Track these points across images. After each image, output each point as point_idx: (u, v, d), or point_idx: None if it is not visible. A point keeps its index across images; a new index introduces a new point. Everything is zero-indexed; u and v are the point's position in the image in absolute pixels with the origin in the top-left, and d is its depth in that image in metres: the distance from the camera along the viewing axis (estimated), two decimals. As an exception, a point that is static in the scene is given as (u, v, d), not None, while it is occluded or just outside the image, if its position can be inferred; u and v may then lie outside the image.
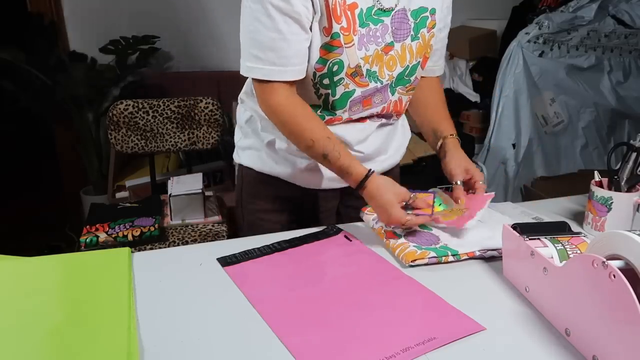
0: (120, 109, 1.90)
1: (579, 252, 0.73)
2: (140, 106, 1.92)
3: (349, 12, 0.92)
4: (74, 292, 0.78)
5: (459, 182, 1.02)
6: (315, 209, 1.15)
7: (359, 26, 0.93)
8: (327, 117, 1.01)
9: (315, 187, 1.11)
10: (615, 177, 0.95)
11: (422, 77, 1.09)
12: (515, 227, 0.79)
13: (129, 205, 1.91)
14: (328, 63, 0.94)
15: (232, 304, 0.75)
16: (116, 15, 2.64)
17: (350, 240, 0.95)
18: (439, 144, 1.08)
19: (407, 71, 1.03)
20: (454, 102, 2.79)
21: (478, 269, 0.85)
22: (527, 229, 0.78)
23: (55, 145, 2.75)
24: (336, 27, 0.92)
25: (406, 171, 2.23)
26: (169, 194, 1.83)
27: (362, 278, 0.82)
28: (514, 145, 2.55)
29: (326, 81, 0.97)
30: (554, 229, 0.80)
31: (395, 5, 0.95)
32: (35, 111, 2.61)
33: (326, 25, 0.92)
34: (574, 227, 1.01)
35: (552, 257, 0.72)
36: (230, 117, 2.39)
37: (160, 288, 0.80)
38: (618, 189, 0.94)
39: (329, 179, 1.08)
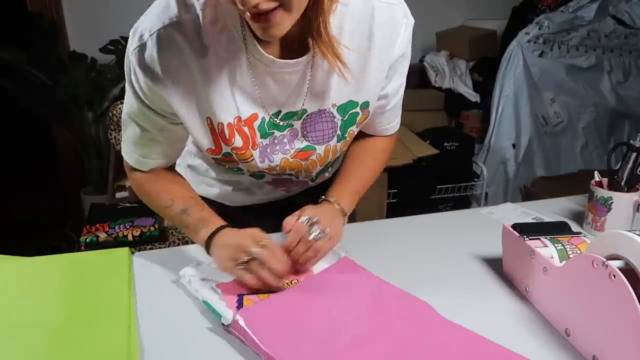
0: (120, 109, 1.90)
1: (579, 252, 0.73)
2: (140, 106, 1.92)
3: (245, 128, 0.79)
4: (74, 292, 0.78)
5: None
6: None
7: (260, 137, 0.81)
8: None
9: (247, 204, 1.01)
10: (615, 177, 0.95)
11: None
12: (515, 227, 0.79)
13: (129, 205, 1.91)
14: (226, 166, 0.86)
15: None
16: (116, 15, 2.64)
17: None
18: (322, 198, 0.89)
19: (328, 164, 0.91)
20: (454, 102, 2.79)
21: (477, 268, 0.85)
22: (527, 229, 0.78)
23: (55, 145, 2.75)
24: (226, 148, 0.80)
25: (406, 171, 2.23)
26: (169, 194, 1.83)
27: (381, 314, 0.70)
28: (514, 145, 2.55)
29: (231, 171, 0.90)
30: (554, 229, 0.80)
31: (306, 105, 0.80)
32: (35, 111, 2.61)
33: (213, 147, 0.81)
34: (574, 227, 1.01)
35: (552, 257, 0.72)
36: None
37: (160, 288, 0.80)
38: (618, 189, 0.94)
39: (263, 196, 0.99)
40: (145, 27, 0.71)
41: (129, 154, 0.86)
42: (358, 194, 0.92)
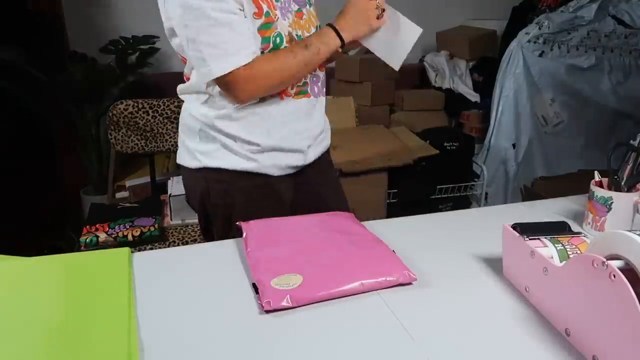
0: (120, 109, 1.90)
1: (579, 252, 0.73)
2: (140, 106, 1.92)
3: None
4: (74, 292, 0.78)
5: None
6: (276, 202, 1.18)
7: (275, 1, 1.05)
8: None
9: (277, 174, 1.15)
10: (615, 177, 0.95)
11: None
12: (515, 227, 0.79)
13: (129, 205, 1.91)
14: (271, 38, 1.03)
15: (232, 303, 0.75)
16: (116, 15, 2.65)
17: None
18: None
19: (317, 27, 1.15)
20: (454, 102, 2.79)
21: (477, 268, 0.85)
22: (526, 229, 0.78)
23: (55, 145, 2.75)
24: (264, 7, 1.02)
25: (406, 171, 2.23)
26: (169, 194, 1.83)
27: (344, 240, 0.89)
28: (514, 145, 2.56)
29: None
30: (554, 229, 0.80)
31: None
32: (35, 111, 2.61)
33: (256, 10, 1.01)
34: (574, 227, 1.01)
35: (552, 257, 0.72)
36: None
37: (160, 288, 0.80)
38: (618, 189, 0.94)
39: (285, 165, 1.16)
40: None
41: (234, 57, 1.00)
42: None
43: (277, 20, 1.04)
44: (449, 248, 0.92)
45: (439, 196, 2.41)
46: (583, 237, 0.76)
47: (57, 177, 2.84)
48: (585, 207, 0.99)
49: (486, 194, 2.53)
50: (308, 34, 1.11)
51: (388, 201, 2.27)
